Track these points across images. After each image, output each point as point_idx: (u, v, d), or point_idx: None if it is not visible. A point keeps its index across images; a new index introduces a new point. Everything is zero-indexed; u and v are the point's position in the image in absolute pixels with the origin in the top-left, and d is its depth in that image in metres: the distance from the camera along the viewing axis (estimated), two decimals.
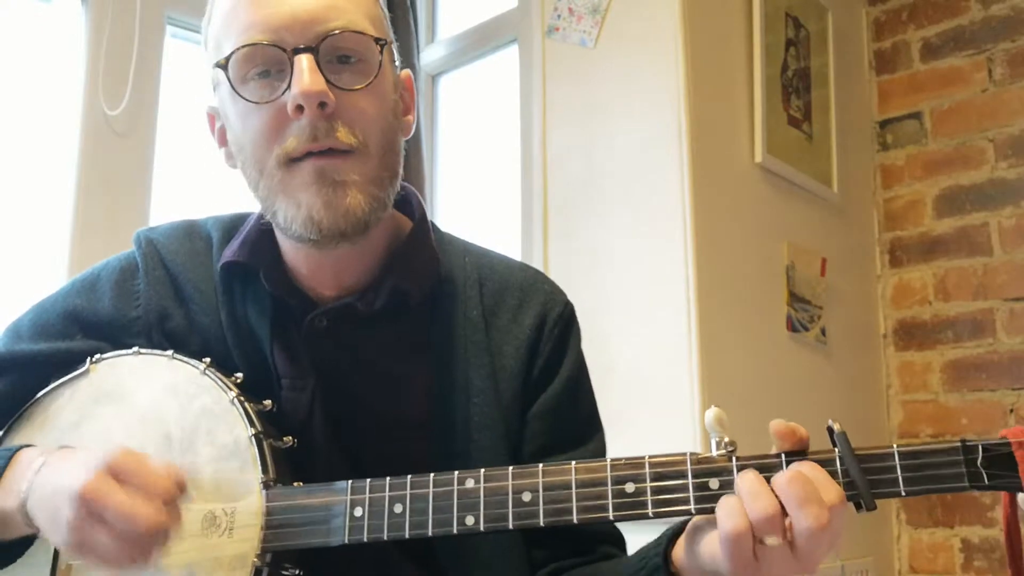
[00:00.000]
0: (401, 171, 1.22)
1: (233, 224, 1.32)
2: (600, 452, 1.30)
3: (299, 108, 1.09)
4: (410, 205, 1.33)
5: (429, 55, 3.25)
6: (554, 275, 1.39)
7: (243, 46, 1.12)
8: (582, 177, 2.63)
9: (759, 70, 2.69)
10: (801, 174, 2.83)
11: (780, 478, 0.91)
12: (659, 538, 1.07)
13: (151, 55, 2.65)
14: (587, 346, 1.37)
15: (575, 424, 1.29)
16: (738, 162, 2.63)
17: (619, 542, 1.28)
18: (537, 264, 2.61)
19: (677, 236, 2.39)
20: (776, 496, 0.91)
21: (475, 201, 3.14)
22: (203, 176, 2.69)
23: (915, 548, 3.04)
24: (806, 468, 0.92)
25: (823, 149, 2.99)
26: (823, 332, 2.85)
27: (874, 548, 2.96)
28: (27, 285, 2.40)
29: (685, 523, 1.03)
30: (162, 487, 1.01)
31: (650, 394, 2.37)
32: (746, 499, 0.91)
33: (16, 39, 2.50)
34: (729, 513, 0.91)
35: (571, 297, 1.37)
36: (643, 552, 1.08)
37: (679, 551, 1.03)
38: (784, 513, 0.90)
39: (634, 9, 2.60)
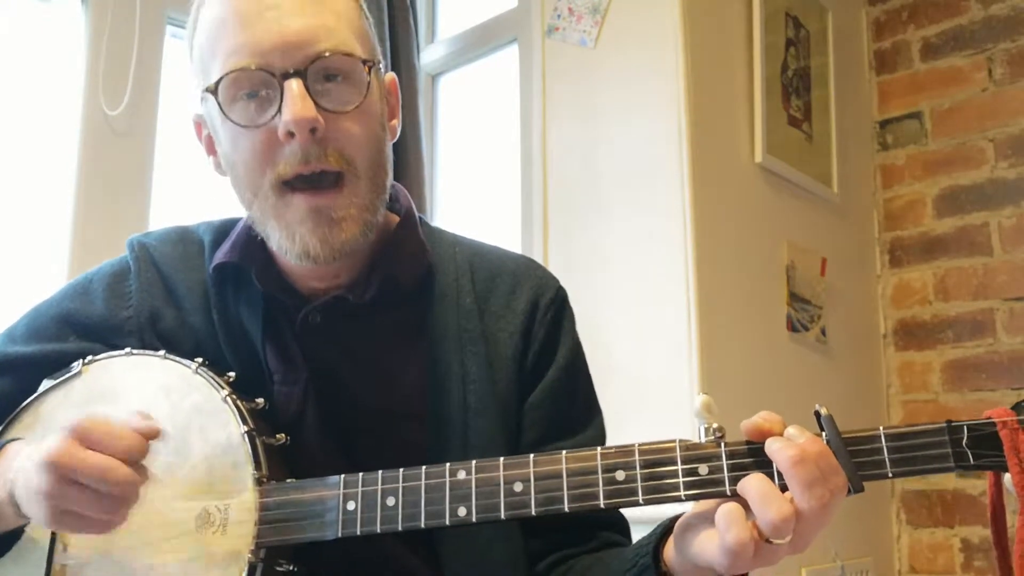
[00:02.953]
0: (389, 182, 1.24)
1: (224, 228, 1.34)
2: (600, 437, 1.31)
3: (290, 134, 1.11)
4: (397, 202, 1.34)
5: (429, 55, 3.25)
6: (554, 274, 1.39)
7: (232, 71, 1.12)
8: (582, 177, 2.63)
9: (759, 70, 2.69)
10: (801, 174, 2.83)
11: (784, 460, 0.90)
12: (648, 536, 1.07)
13: (151, 55, 2.65)
14: (587, 345, 1.37)
15: (574, 411, 1.29)
16: (738, 162, 2.63)
17: (622, 528, 1.29)
18: None
19: (677, 236, 2.39)
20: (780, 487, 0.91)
21: (475, 201, 3.14)
22: (203, 176, 2.69)
23: (915, 548, 3.04)
24: (809, 445, 0.91)
25: (823, 149, 2.99)
26: (823, 332, 2.85)
27: (874, 548, 2.96)
28: (27, 285, 2.40)
29: (675, 520, 1.03)
30: (128, 443, 1.01)
31: (650, 394, 2.37)
32: (757, 503, 0.90)
33: (16, 39, 2.50)
34: (731, 522, 0.90)
35: (571, 297, 1.37)
36: (633, 550, 1.08)
37: (669, 549, 1.02)
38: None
39: (634, 9, 2.60)
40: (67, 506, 0.99)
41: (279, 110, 1.11)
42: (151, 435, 1.05)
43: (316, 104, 1.11)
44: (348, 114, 1.15)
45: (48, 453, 0.98)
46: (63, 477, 0.98)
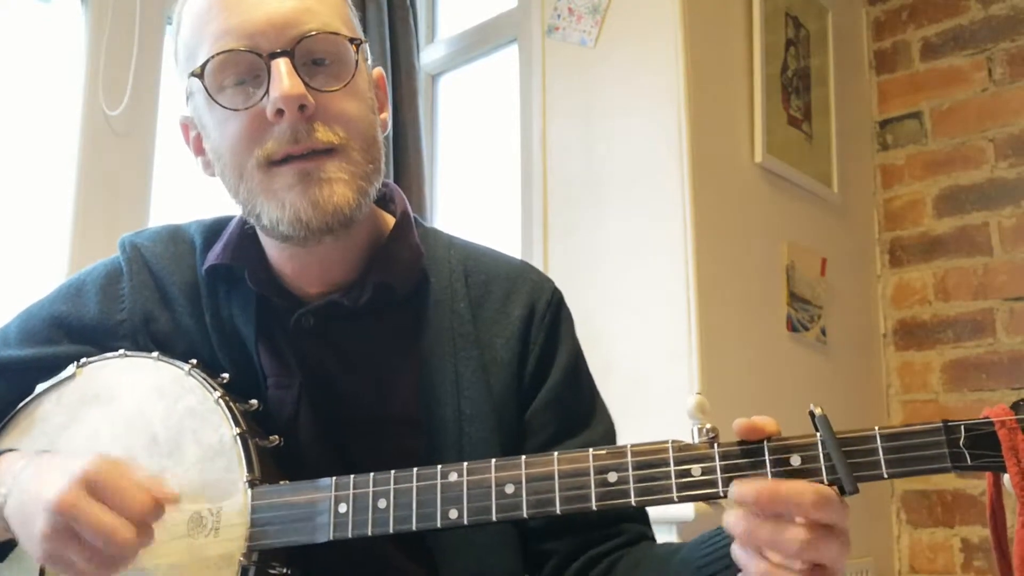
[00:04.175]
0: (383, 166, 1.23)
1: (216, 227, 1.33)
2: (609, 431, 1.30)
3: (279, 112, 1.10)
4: (393, 203, 1.33)
5: (429, 55, 3.25)
6: (554, 274, 1.39)
7: (219, 53, 1.12)
8: (582, 177, 2.63)
9: (759, 70, 2.69)
10: (801, 174, 2.83)
11: (748, 495, 0.89)
12: (717, 537, 1.05)
13: (151, 55, 2.65)
14: (586, 345, 1.36)
15: (580, 409, 1.28)
16: (738, 162, 2.63)
17: (644, 519, 1.27)
18: (537, 263, 2.62)
19: (677, 236, 2.39)
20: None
21: (475, 201, 3.14)
22: (203, 176, 2.69)
23: (915, 548, 3.03)
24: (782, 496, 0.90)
25: (823, 149, 2.99)
26: (823, 332, 2.85)
27: (874, 548, 2.95)
28: (27, 285, 2.40)
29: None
30: (139, 505, 1.00)
31: (649, 393, 2.37)
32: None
33: (16, 39, 2.50)
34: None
35: (571, 296, 1.36)
36: (702, 550, 1.07)
37: None
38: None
39: (634, 9, 2.60)
40: (62, 553, 0.99)
41: (267, 91, 1.10)
42: (167, 501, 1.05)
43: (305, 83, 1.11)
44: (337, 93, 1.14)
45: (55, 498, 0.97)
46: (65, 526, 0.98)
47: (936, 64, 3.20)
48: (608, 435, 1.29)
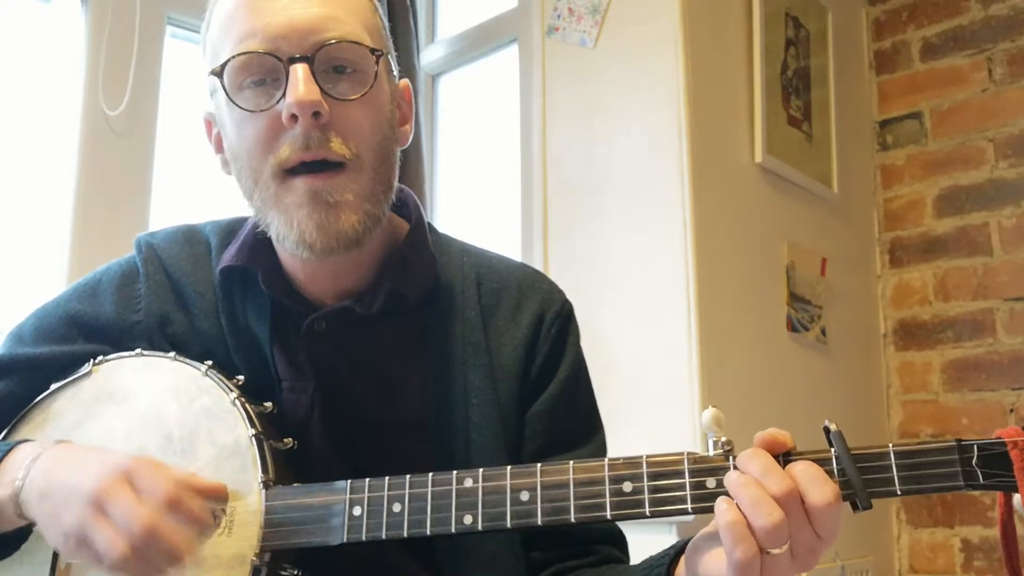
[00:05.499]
0: (396, 183, 1.23)
1: (231, 228, 1.33)
2: (599, 452, 1.30)
3: (293, 117, 1.10)
4: (407, 207, 1.33)
5: (429, 55, 3.25)
6: (554, 275, 1.38)
7: (239, 54, 1.12)
8: (582, 177, 2.63)
9: (759, 70, 2.69)
10: (801, 174, 2.83)
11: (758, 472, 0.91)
12: (661, 555, 1.07)
13: (151, 55, 2.65)
14: (587, 346, 1.36)
15: (573, 425, 1.28)
16: (738, 162, 2.63)
17: (620, 542, 1.28)
18: (537, 264, 2.62)
19: (677, 236, 2.40)
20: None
21: (475, 201, 3.14)
22: (203, 177, 2.70)
23: (915, 548, 3.04)
24: (801, 468, 0.92)
25: (823, 149, 2.99)
26: (823, 332, 2.85)
27: (874, 548, 2.96)
28: (27, 285, 2.40)
29: (687, 542, 1.02)
30: (173, 499, 1.01)
31: (650, 393, 2.38)
32: (749, 509, 0.89)
33: (16, 39, 2.50)
34: (737, 540, 0.89)
35: (571, 297, 1.36)
36: (645, 568, 1.08)
37: (680, 569, 1.02)
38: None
39: (634, 9, 2.60)
40: (92, 538, 0.98)
41: (284, 95, 1.11)
42: (213, 493, 1.07)
43: (322, 91, 1.11)
44: (354, 103, 1.14)
45: (93, 486, 0.99)
46: (98, 508, 0.98)
47: (936, 64, 3.20)
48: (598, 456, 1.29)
